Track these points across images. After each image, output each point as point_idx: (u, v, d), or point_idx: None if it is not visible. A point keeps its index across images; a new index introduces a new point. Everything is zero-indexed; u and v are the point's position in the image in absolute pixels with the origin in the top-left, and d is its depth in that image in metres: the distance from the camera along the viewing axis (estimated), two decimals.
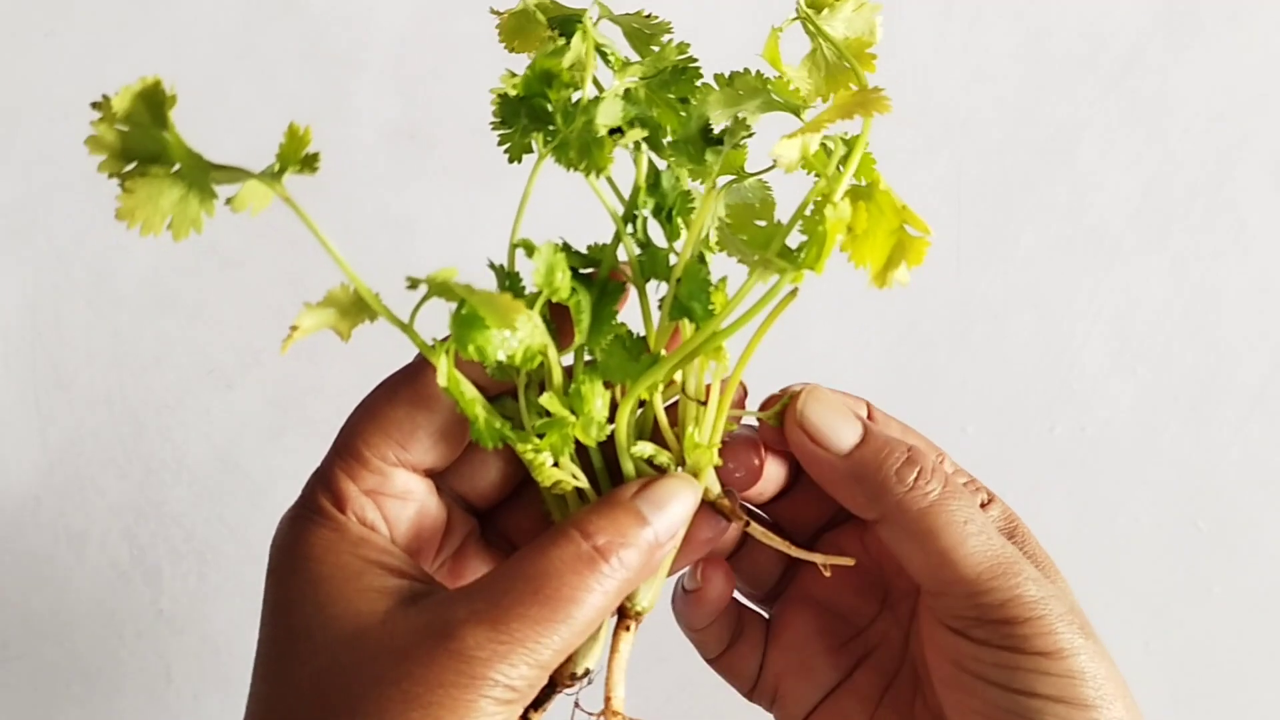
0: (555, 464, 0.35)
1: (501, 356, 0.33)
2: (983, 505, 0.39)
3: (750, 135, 0.36)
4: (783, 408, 0.38)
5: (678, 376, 0.37)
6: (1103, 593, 0.70)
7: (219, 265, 0.70)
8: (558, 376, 0.35)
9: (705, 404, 0.36)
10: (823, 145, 0.35)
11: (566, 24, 0.36)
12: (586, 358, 0.36)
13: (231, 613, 0.69)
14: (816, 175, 0.35)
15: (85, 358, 0.69)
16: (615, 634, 0.36)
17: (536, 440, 0.34)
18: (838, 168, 0.34)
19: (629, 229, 0.36)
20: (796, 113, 0.36)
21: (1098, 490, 0.70)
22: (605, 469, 0.37)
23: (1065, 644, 0.34)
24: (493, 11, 0.37)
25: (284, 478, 0.70)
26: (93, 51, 0.70)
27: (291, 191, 0.33)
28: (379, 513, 0.35)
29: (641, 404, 0.37)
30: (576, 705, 0.36)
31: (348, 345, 0.74)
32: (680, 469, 0.36)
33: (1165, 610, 0.70)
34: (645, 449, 0.36)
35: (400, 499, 0.35)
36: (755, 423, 0.39)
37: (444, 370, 0.33)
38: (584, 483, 0.36)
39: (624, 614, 0.36)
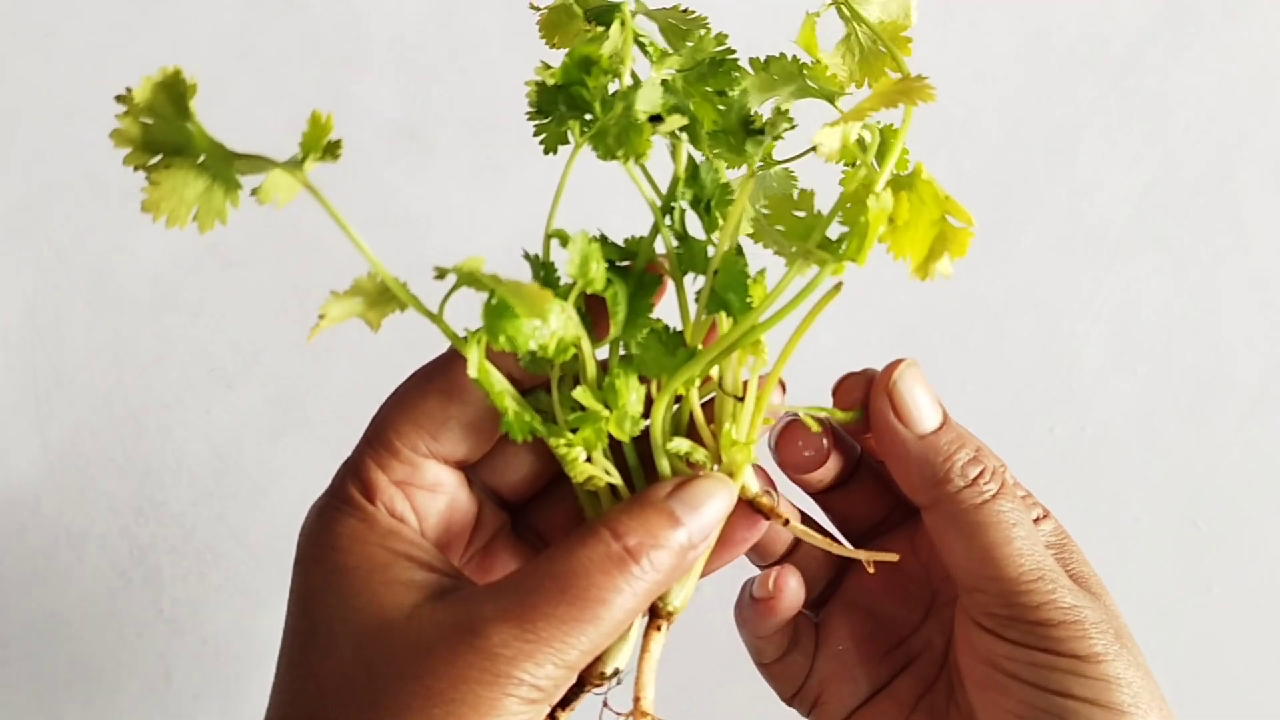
0: (588, 459, 0.34)
1: (533, 347, 0.32)
2: (1036, 520, 0.39)
3: (792, 127, 0.35)
4: (852, 396, 0.38)
5: (714, 372, 0.36)
6: None
7: (220, 265, 0.70)
8: (591, 370, 0.35)
9: (743, 400, 0.36)
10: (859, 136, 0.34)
11: (604, 15, 0.35)
12: (621, 352, 0.36)
13: (232, 613, 0.69)
14: (848, 165, 0.34)
15: (85, 357, 0.69)
16: (646, 634, 0.36)
17: (569, 435, 0.33)
18: (874, 160, 0.34)
19: (666, 221, 0.36)
20: (831, 100, 0.35)
21: (1097, 490, 0.70)
22: (640, 465, 0.36)
23: (1100, 649, 0.34)
24: (532, 7, 0.37)
25: (284, 478, 0.70)
26: (93, 52, 0.70)
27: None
28: (409, 504, 0.34)
29: (678, 400, 0.36)
30: (605, 705, 0.36)
31: (348, 345, 0.74)
32: (716, 467, 0.36)
33: (1165, 610, 0.70)
34: (681, 445, 0.35)
35: (430, 491, 0.35)
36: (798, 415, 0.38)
37: (474, 361, 0.33)
38: (617, 479, 0.35)
39: (655, 614, 0.36)
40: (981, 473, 0.37)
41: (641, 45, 0.36)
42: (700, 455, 0.35)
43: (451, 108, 0.70)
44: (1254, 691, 0.70)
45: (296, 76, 0.70)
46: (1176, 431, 0.70)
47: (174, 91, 0.30)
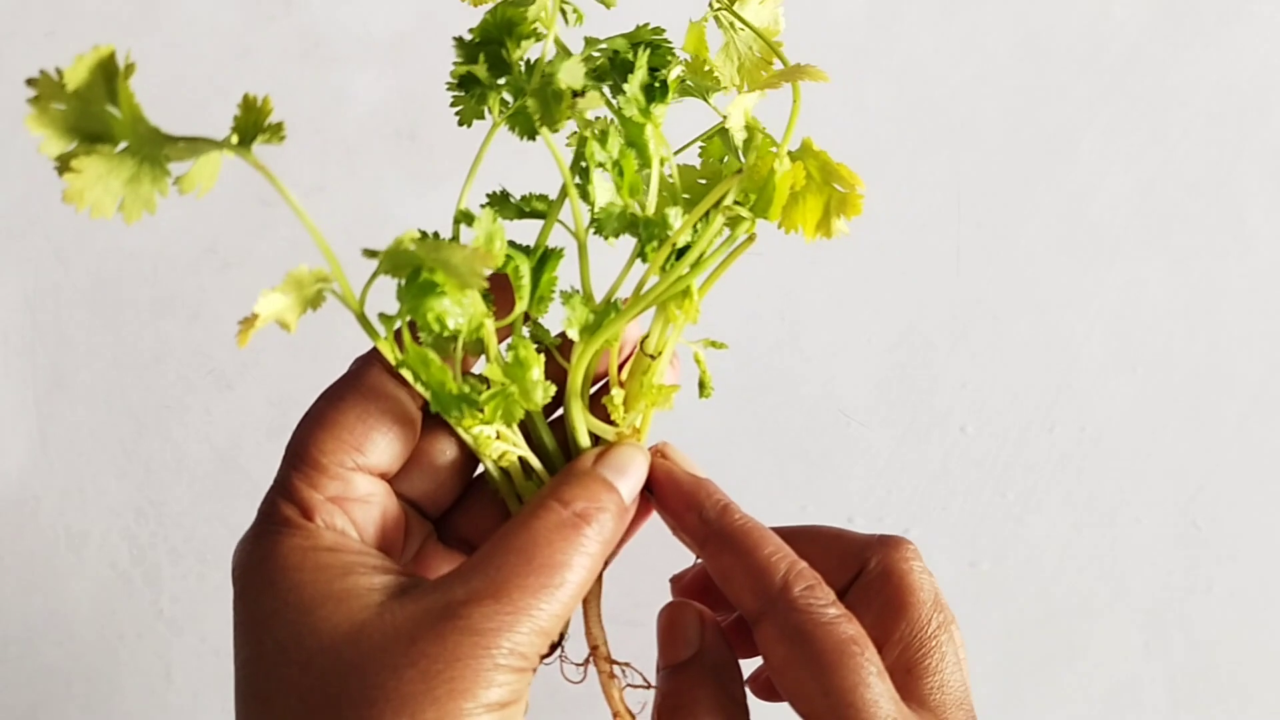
0: (497, 437, 0.35)
1: (459, 322, 0.33)
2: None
3: (682, 84, 0.38)
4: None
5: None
6: (1101, 592, 0.70)
7: (218, 266, 0.70)
8: (494, 347, 0.36)
9: (656, 358, 0.37)
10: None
11: None
12: (525, 328, 0.37)
13: (231, 613, 0.69)
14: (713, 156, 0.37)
15: (85, 358, 0.69)
16: None
17: (480, 415, 0.34)
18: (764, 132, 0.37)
19: (576, 181, 0.37)
20: (704, 96, 0.38)
21: (1097, 490, 0.70)
22: (550, 433, 0.38)
23: None
24: None
25: None
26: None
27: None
28: (346, 518, 0.35)
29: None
30: (562, 658, 0.37)
31: (349, 346, 0.74)
32: (624, 431, 0.38)
33: (1164, 610, 0.70)
34: (617, 396, 0.37)
35: (364, 503, 0.36)
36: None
37: (398, 344, 0.33)
38: (527, 452, 0.36)
39: None
40: (812, 588, 0.35)
41: (564, 13, 0.37)
42: (620, 414, 0.37)
43: (451, 108, 0.70)
44: (1254, 691, 0.70)
45: (296, 77, 0.70)
46: (1176, 431, 0.70)
47: (106, 72, 0.29)
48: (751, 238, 0.35)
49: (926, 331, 0.70)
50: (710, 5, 0.37)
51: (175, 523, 0.69)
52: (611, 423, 0.37)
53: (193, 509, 0.69)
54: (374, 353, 0.36)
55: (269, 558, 0.34)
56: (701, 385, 0.40)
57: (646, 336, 0.38)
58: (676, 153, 0.38)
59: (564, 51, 0.36)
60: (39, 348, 0.70)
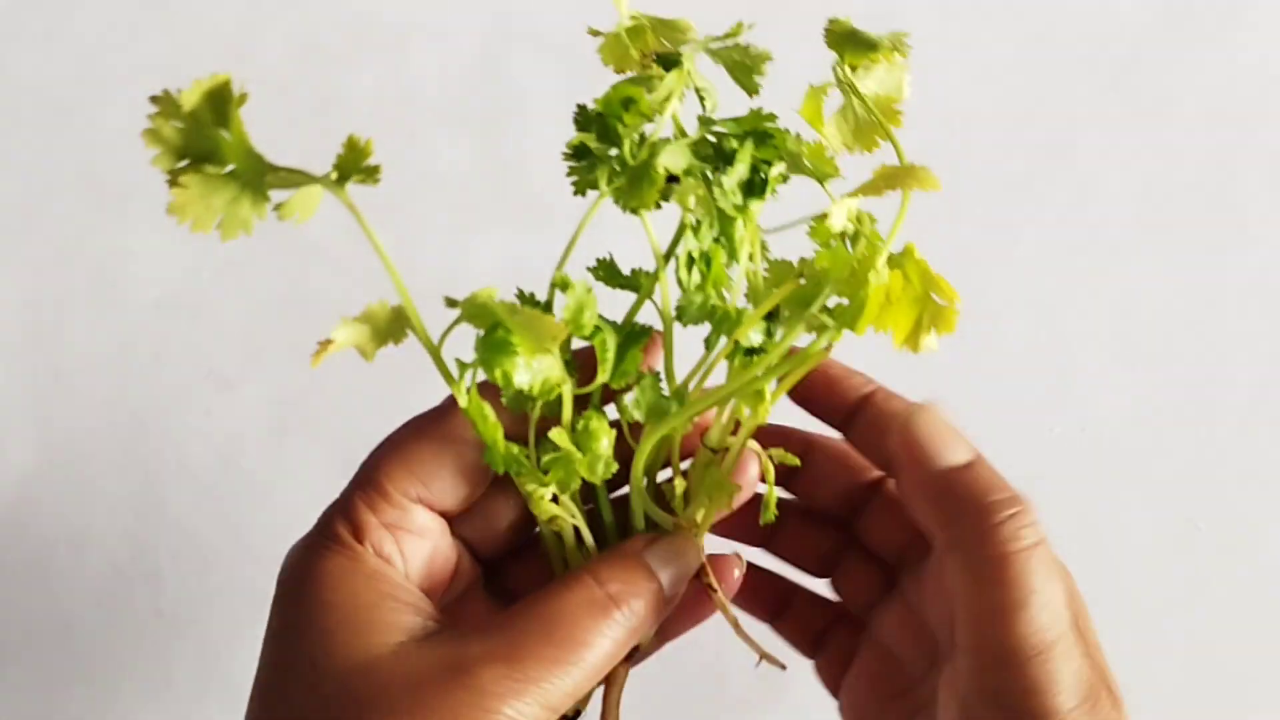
0: (555, 500, 0.35)
1: (523, 384, 0.33)
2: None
3: (783, 180, 0.37)
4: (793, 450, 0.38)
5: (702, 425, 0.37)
6: (1101, 592, 0.70)
7: (219, 265, 0.70)
8: (568, 413, 0.36)
9: (721, 454, 0.36)
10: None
11: (669, 60, 0.36)
12: (604, 400, 0.37)
13: (232, 614, 0.69)
14: (821, 243, 0.35)
15: (85, 358, 0.69)
16: (613, 669, 0.37)
17: (542, 476, 0.34)
18: (852, 236, 0.36)
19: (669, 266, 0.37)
20: (822, 181, 0.37)
21: (1097, 490, 0.70)
22: (610, 509, 0.38)
23: None
24: (591, 32, 0.38)
25: (285, 478, 0.70)
26: (93, 52, 0.70)
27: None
28: (396, 547, 0.35)
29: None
30: None
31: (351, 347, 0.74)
32: (682, 522, 0.37)
33: (1164, 610, 0.70)
34: (678, 485, 0.36)
35: (417, 536, 0.36)
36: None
37: (466, 394, 0.34)
38: (580, 521, 0.36)
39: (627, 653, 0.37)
40: (1020, 514, 0.33)
41: (701, 98, 0.36)
42: (680, 503, 0.37)
43: (452, 108, 0.70)
44: (1254, 691, 0.70)
45: (296, 77, 0.70)
46: (1176, 431, 0.70)
47: (219, 99, 0.31)
48: (828, 348, 0.34)
49: None
50: (834, 71, 0.36)
51: (175, 523, 0.69)
52: (672, 511, 0.37)
53: (193, 509, 0.69)
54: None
55: (310, 570, 0.35)
56: (765, 506, 0.38)
57: (708, 430, 0.37)
58: (779, 229, 0.37)
59: (680, 131, 0.36)
60: (39, 348, 0.70)
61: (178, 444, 0.69)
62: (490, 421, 0.34)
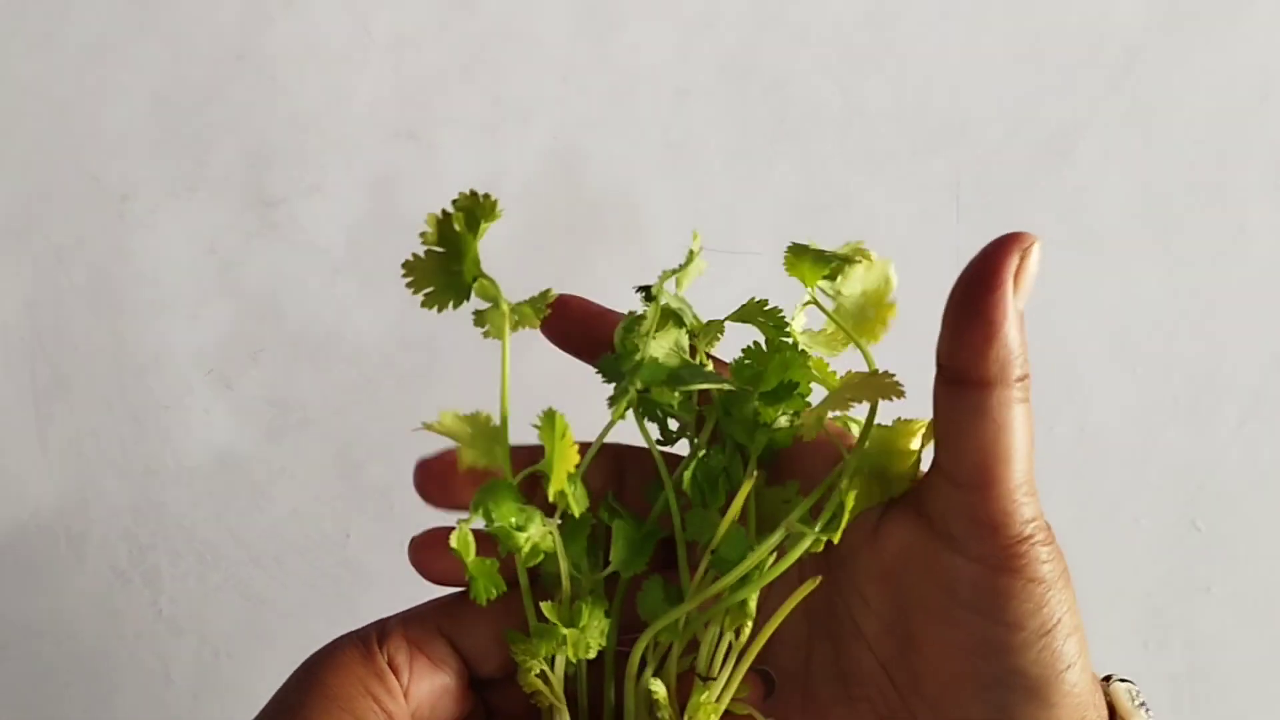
0: (543, 676, 0.36)
1: (499, 527, 0.35)
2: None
3: (796, 430, 0.38)
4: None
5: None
6: (1101, 593, 0.70)
7: (218, 266, 0.70)
8: (566, 588, 0.37)
9: (712, 681, 0.37)
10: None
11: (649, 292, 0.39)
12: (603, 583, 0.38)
13: (231, 614, 0.69)
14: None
15: (84, 358, 0.69)
16: None
17: (529, 644, 0.36)
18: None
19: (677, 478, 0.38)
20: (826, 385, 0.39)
21: (1096, 490, 0.70)
22: (609, 697, 0.38)
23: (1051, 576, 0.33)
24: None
25: (284, 478, 0.70)
26: (93, 52, 0.70)
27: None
28: (408, 663, 0.36)
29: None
30: None
31: (347, 346, 0.74)
32: None
33: (1163, 610, 0.70)
34: (659, 689, 0.36)
35: (434, 664, 0.37)
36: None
37: (460, 533, 0.35)
38: (560, 704, 0.37)
39: None
40: (1025, 377, 0.34)
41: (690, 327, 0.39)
42: (666, 712, 0.37)
43: (452, 108, 0.70)
44: (1254, 692, 0.70)
45: (296, 77, 0.70)
46: (1175, 432, 0.70)
47: (471, 215, 0.37)
48: (818, 580, 0.35)
49: (924, 332, 0.70)
50: (809, 294, 0.38)
51: (175, 524, 0.69)
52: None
53: (192, 510, 0.69)
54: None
55: (329, 652, 0.37)
56: None
57: (696, 655, 0.37)
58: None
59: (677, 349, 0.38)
60: (39, 348, 0.70)
61: (177, 444, 0.69)
62: (473, 557, 0.36)
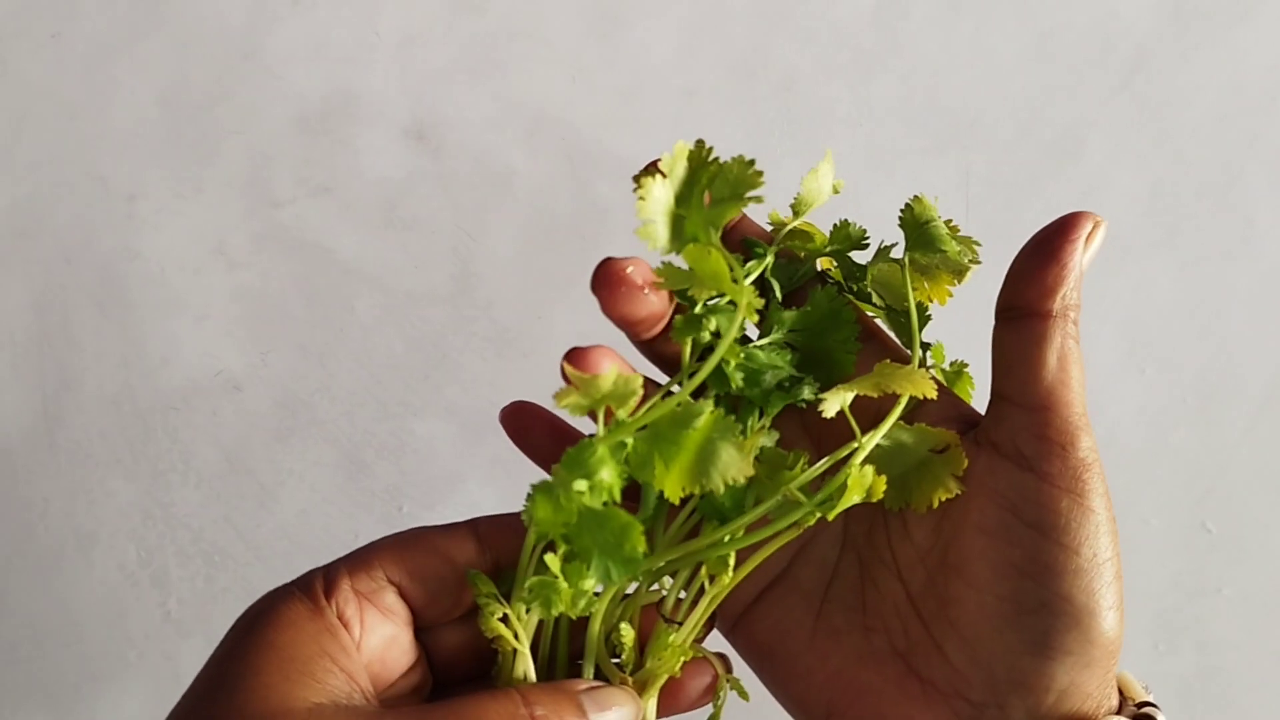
0: (504, 620, 0.36)
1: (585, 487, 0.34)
2: None
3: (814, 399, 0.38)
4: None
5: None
6: None
7: (226, 267, 0.70)
8: (564, 546, 0.36)
9: (677, 624, 0.37)
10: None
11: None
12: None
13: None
14: None
15: (93, 359, 0.69)
16: None
17: (525, 595, 0.35)
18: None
19: None
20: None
21: None
22: (565, 650, 0.38)
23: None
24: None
25: (292, 480, 0.70)
26: (99, 52, 0.70)
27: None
28: (358, 615, 0.35)
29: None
30: None
31: (354, 347, 0.74)
32: (632, 678, 0.37)
33: (1174, 612, 0.70)
34: (627, 633, 0.36)
35: (383, 614, 0.36)
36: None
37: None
38: (524, 649, 0.36)
39: None
40: (1078, 322, 0.37)
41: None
42: (628, 654, 0.37)
43: (460, 108, 0.70)
44: (1264, 693, 0.70)
45: (303, 77, 0.70)
46: (1185, 432, 0.70)
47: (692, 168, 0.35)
48: (797, 525, 0.35)
49: (933, 333, 0.70)
50: (902, 262, 0.39)
51: (183, 525, 0.69)
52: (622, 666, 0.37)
53: (200, 511, 0.69)
54: (478, 522, 0.37)
55: (268, 609, 0.35)
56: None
57: (664, 598, 0.37)
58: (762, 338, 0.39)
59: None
60: (47, 349, 0.70)
61: (185, 446, 0.69)
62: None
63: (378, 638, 0.36)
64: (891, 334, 0.41)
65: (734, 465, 0.33)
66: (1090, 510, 0.34)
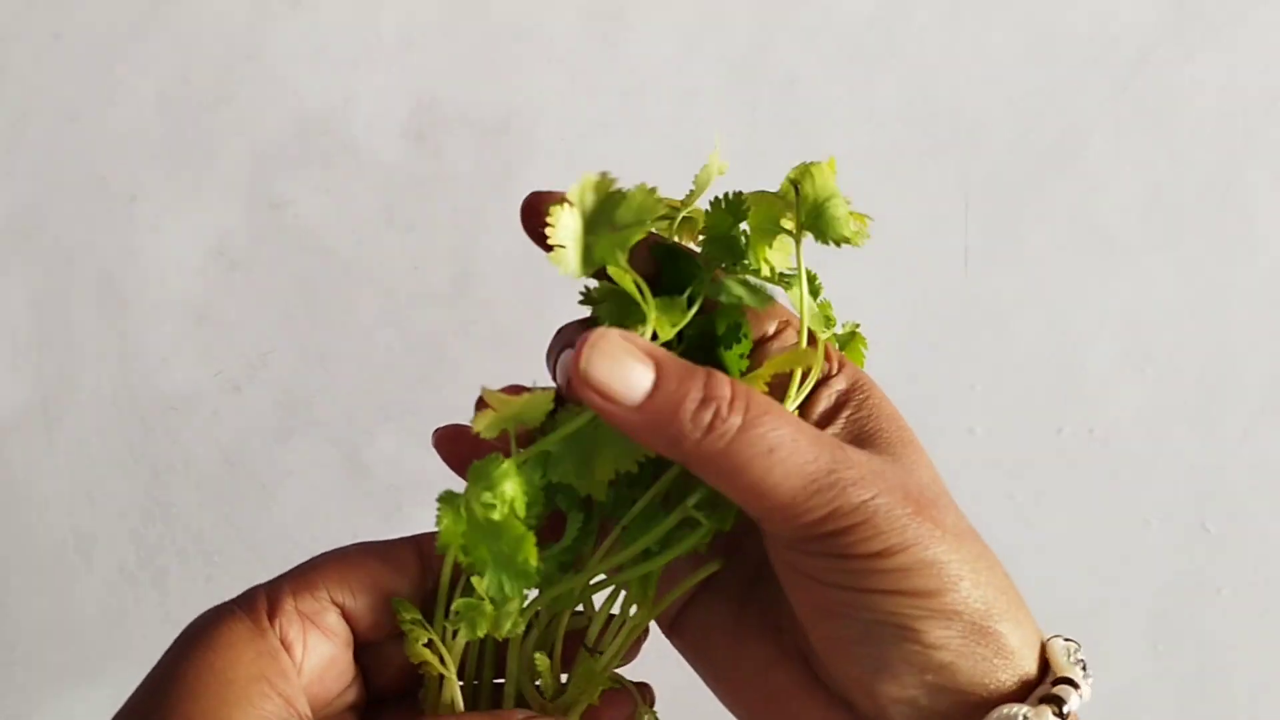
0: (429, 645, 0.36)
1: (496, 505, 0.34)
2: (815, 391, 0.37)
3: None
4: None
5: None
6: (1111, 594, 0.70)
7: (225, 267, 0.70)
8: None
9: (599, 653, 0.37)
10: None
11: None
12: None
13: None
14: None
15: (93, 360, 0.69)
16: None
17: (446, 622, 0.35)
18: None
19: None
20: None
21: (1106, 492, 0.70)
22: (490, 672, 0.38)
23: (894, 541, 0.32)
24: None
25: (292, 480, 0.70)
26: (100, 53, 0.70)
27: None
28: (301, 637, 0.35)
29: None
30: None
31: (354, 348, 0.74)
32: (552, 704, 0.37)
33: (1173, 611, 0.70)
34: (542, 661, 0.36)
35: (325, 635, 0.36)
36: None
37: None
38: (450, 674, 0.36)
39: None
40: (716, 412, 0.32)
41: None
42: (548, 681, 0.37)
43: (460, 109, 0.70)
44: (1262, 693, 0.70)
45: (304, 77, 0.70)
46: (1185, 433, 0.70)
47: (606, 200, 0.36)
48: (717, 563, 0.35)
49: (934, 333, 0.70)
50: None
51: (183, 525, 0.69)
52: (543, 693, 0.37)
53: (200, 511, 0.69)
54: (421, 538, 0.37)
55: (211, 625, 0.35)
56: None
57: (588, 627, 0.37)
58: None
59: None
60: (46, 349, 0.70)
61: (185, 446, 0.69)
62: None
63: (318, 658, 0.36)
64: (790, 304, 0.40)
65: (625, 456, 0.34)
66: (868, 557, 0.33)
